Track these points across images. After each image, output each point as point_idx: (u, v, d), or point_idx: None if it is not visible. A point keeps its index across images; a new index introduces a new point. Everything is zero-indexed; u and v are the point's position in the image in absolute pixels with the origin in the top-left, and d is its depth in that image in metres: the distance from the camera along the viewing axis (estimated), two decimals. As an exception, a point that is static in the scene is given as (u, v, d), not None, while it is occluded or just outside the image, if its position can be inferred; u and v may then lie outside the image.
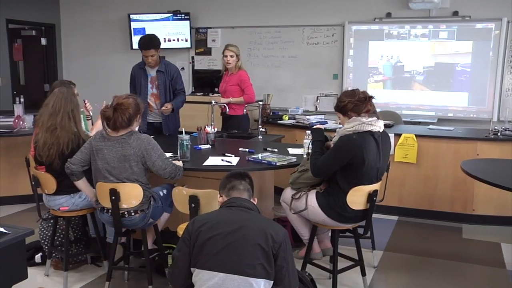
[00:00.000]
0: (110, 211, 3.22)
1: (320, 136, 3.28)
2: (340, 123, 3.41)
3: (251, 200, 2.41)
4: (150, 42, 4.75)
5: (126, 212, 3.19)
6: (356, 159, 3.04)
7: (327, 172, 3.16)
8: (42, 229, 3.90)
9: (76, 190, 3.50)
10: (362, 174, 3.10)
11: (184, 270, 2.25)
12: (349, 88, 3.31)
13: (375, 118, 3.14)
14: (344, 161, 3.06)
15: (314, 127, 3.38)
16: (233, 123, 5.28)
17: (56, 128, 3.38)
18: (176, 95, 4.94)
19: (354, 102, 3.12)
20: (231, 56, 5.16)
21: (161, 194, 3.39)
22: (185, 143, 3.61)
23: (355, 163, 3.05)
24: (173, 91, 4.92)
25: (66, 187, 3.47)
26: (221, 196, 2.43)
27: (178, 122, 5.13)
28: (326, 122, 5.71)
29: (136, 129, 3.33)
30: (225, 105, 5.11)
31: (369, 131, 3.09)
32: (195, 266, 2.20)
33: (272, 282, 2.18)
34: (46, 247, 3.84)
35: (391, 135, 4.67)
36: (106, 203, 3.19)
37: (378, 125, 3.13)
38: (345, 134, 3.10)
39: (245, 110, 5.26)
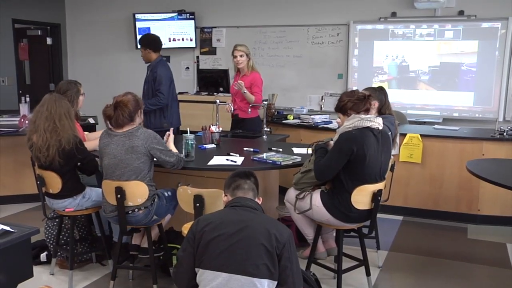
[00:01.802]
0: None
1: (322, 145, 3.32)
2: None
3: (256, 199, 2.41)
4: (139, 39, 5.17)
5: (130, 210, 3.22)
6: (357, 154, 3.05)
7: (331, 173, 3.16)
8: (48, 228, 3.92)
9: (79, 191, 3.52)
10: (365, 170, 3.11)
11: (189, 270, 2.24)
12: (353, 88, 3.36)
13: (373, 115, 3.18)
14: (346, 158, 3.07)
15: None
16: (245, 125, 5.14)
17: (58, 127, 3.38)
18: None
19: (354, 101, 3.17)
20: (241, 56, 5.00)
21: (166, 194, 3.41)
22: (190, 142, 3.62)
23: (356, 158, 3.06)
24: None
25: (69, 189, 3.48)
26: (226, 195, 2.43)
27: (163, 120, 4.95)
28: (331, 122, 5.70)
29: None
30: (231, 108, 5.02)
31: (368, 127, 3.11)
32: (199, 266, 2.20)
33: (276, 282, 2.17)
34: (51, 246, 3.85)
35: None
36: (112, 201, 3.22)
37: (377, 122, 3.16)
38: (345, 131, 3.12)
39: (249, 110, 5.15)
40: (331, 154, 3.14)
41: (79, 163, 3.52)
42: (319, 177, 3.21)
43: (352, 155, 3.05)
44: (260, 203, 2.41)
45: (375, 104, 3.81)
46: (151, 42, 4.96)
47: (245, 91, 4.93)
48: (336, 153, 3.11)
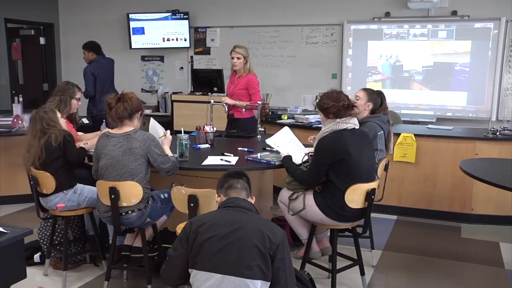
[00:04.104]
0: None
1: (288, 160, 3.40)
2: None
3: (249, 199, 2.41)
4: (83, 45, 6.30)
5: (123, 211, 3.21)
6: (341, 153, 3.10)
7: (318, 178, 3.21)
8: (41, 229, 3.90)
9: (70, 186, 3.51)
10: (352, 167, 3.13)
11: (177, 270, 2.27)
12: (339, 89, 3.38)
13: (348, 117, 3.23)
14: (329, 160, 3.11)
15: (283, 157, 3.46)
16: (240, 125, 5.12)
17: (31, 147, 3.48)
18: None
19: (338, 107, 3.20)
20: (238, 58, 4.97)
21: (162, 196, 3.39)
22: (184, 142, 3.61)
23: (341, 158, 3.10)
24: None
25: (59, 185, 3.48)
26: (219, 196, 2.42)
27: (93, 108, 6.14)
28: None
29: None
30: (226, 107, 5.03)
31: (344, 129, 3.18)
32: (193, 267, 2.20)
33: (269, 283, 2.18)
34: (45, 247, 3.84)
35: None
36: (106, 201, 3.21)
37: (352, 122, 3.23)
38: (323, 136, 3.20)
39: (243, 110, 5.14)
40: (314, 160, 3.20)
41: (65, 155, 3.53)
42: (308, 184, 3.29)
43: (337, 157, 3.10)
44: (253, 202, 2.41)
45: (369, 106, 3.86)
46: (91, 46, 6.28)
47: (236, 103, 5.03)
48: (319, 158, 3.17)
